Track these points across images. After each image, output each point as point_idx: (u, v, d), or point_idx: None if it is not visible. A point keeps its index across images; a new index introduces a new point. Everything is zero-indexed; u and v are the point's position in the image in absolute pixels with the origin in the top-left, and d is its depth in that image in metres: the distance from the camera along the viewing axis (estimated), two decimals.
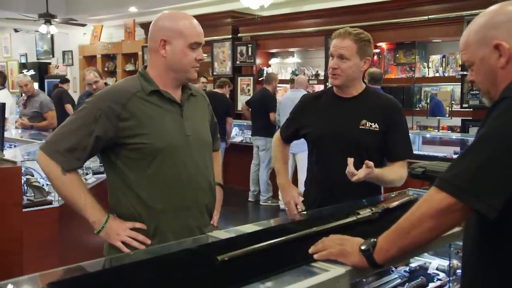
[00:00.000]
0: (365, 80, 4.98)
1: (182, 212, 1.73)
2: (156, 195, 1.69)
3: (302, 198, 2.21)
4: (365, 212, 1.54)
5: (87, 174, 3.55)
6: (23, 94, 5.99)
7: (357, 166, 2.03)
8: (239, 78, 7.89)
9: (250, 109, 6.58)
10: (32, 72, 11.07)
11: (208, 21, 7.72)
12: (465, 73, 5.27)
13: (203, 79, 7.46)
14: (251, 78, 7.73)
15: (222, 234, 1.53)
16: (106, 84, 6.40)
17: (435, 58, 6.22)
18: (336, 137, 2.09)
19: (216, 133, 2.03)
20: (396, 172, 2.08)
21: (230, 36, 7.88)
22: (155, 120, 1.68)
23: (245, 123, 7.40)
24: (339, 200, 1.95)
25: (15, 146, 4.12)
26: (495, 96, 1.20)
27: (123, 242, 1.66)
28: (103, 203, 1.76)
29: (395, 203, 1.65)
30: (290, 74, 7.31)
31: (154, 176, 1.68)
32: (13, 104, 6.56)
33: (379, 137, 2.07)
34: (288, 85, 7.17)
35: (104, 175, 2.43)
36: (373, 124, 2.07)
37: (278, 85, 7.63)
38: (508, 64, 1.18)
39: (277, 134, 2.41)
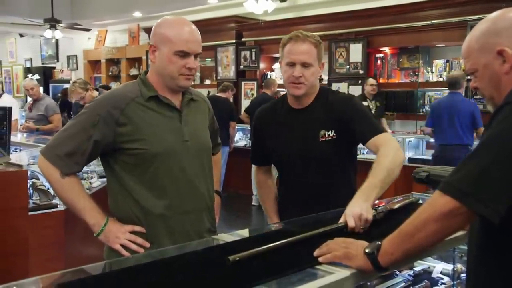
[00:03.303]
0: None
1: (180, 216, 1.73)
2: (154, 200, 1.69)
3: None
4: None
5: (92, 177, 3.57)
6: (29, 98, 6.06)
7: (324, 180, 1.96)
8: (242, 83, 7.91)
9: (249, 116, 6.60)
10: (37, 76, 11.13)
11: (212, 26, 7.77)
12: (468, 77, 5.27)
13: (372, 81, 6.33)
14: (255, 82, 7.75)
15: (226, 237, 1.54)
16: (106, 89, 6.42)
17: (439, 63, 6.23)
18: (300, 157, 1.98)
19: (216, 138, 2.02)
20: (382, 156, 1.78)
21: (234, 41, 7.90)
22: (152, 125, 1.69)
23: (248, 127, 7.41)
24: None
25: (20, 150, 4.15)
26: (499, 101, 1.20)
27: (122, 245, 1.67)
28: (108, 207, 1.77)
29: (397, 205, 1.65)
30: None
31: (152, 181, 1.69)
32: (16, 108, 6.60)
33: (337, 144, 1.95)
34: None
35: None
36: (330, 132, 1.94)
37: (282, 89, 7.65)
38: None
39: (253, 170, 2.24)
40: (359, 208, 1.52)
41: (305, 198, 2.00)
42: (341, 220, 1.52)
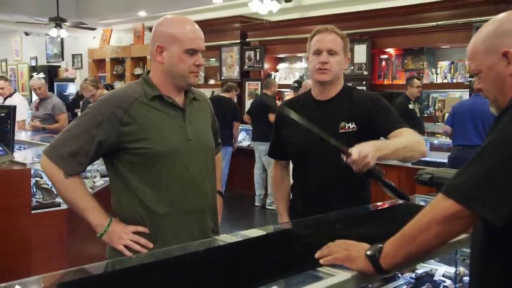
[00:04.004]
0: None
1: (184, 216, 1.73)
2: (158, 199, 1.70)
3: None
4: None
5: (95, 177, 3.58)
6: (34, 96, 6.10)
7: (341, 173, 1.91)
8: (246, 83, 7.91)
9: (251, 117, 6.61)
10: (42, 75, 11.17)
11: (216, 26, 7.77)
12: (473, 79, 5.25)
13: (417, 82, 5.79)
14: (259, 82, 7.75)
15: (229, 238, 1.53)
16: (110, 88, 6.47)
17: (444, 64, 6.20)
18: (318, 148, 1.97)
19: (217, 138, 2.02)
20: (404, 137, 1.84)
21: (238, 41, 7.90)
22: (156, 125, 1.69)
23: (252, 128, 7.41)
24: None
25: (24, 148, 4.17)
26: (503, 104, 1.20)
27: (125, 246, 1.67)
28: (111, 206, 1.77)
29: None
30: (293, 82, 7.15)
31: (156, 180, 1.69)
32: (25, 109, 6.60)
33: (357, 137, 1.92)
34: None
35: None
36: (350, 124, 1.98)
37: (285, 90, 7.64)
38: None
39: (272, 166, 2.31)
40: (368, 150, 1.60)
41: (320, 190, 2.02)
42: (349, 149, 1.61)
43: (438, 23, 5.83)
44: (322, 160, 1.99)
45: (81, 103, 7.83)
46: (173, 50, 1.69)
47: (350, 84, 2.18)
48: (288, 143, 2.12)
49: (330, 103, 2.05)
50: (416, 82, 5.77)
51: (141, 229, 1.70)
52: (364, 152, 1.59)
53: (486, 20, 1.28)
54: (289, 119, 2.07)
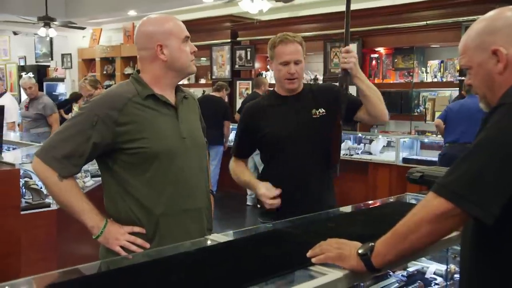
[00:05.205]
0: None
1: (181, 215, 1.73)
2: (155, 199, 1.69)
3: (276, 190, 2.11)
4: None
5: (85, 177, 3.55)
6: (24, 96, 6.04)
7: (318, 158, 2.12)
8: (237, 82, 7.91)
9: None
10: (31, 74, 11.06)
11: (207, 25, 7.75)
12: (462, 78, 5.27)
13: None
14: (250, 82, 7.74)
15: (220, 237, 1.53)
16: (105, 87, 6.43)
17: (433, 63, 6.24)
18: (295, 134, 2.13)
19: (204, 137, 2.02)
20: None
21: (229, 40, 7.89)
22: (152, 124, 1.69)
23: None
24: (301, 201, 2.05)
25: (14, 149, 4.13)
26: (492, 101, 1.21)
27: (122, 247, 1.66)
28: (102, 206, 1.76)
29: None
30: None
31: (152, 180, 1.69)
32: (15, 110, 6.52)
33: (327, 120, 2.13)
34: None
35: None
36: (320, 110, 2.15)
37: None
38: (506, 70, 1.19)
39: (231, 161, 2.34)
40: (356, 59, 2.02)
41: (301, 177, 2.12)
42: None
43: (427, 22, 5.87)
44: (298, 147, 2.11)
45: (74, 104, 7.80)
46: (172, 44, 1.73)
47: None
48: (261, 135, 2.18)
49: (297, 96, 2.20)
50: None
51: (137, 229, 1.69)
52: (355, 55, 2.03)
53: (475, 20, 1.29)
54: (260, 113, 2.23)
